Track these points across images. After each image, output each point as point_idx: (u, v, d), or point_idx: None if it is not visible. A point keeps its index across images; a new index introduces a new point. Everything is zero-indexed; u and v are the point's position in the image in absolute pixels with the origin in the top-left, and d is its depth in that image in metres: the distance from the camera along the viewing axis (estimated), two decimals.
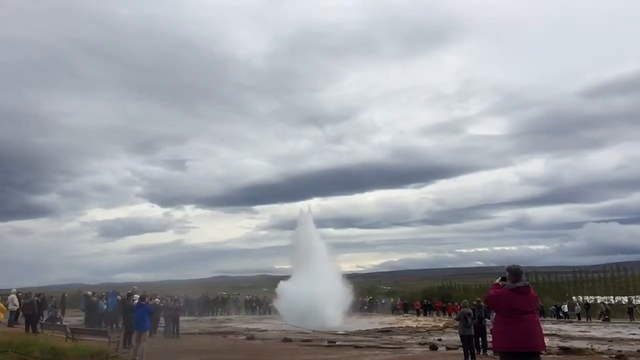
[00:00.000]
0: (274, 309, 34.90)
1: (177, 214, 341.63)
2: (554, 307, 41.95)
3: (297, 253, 36.16)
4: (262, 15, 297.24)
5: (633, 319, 35.23)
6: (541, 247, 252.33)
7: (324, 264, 33.92)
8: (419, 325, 28.80)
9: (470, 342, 13.63)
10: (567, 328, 28.19)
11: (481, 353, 14.60)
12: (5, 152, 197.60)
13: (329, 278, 32.35)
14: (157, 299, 20.72)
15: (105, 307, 23.09)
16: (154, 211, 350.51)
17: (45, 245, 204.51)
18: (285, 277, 35.57)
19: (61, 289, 53.46)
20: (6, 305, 20.10)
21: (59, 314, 24.64)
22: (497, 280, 5.94)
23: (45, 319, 21.96)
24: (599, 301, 44.91)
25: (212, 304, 40.83)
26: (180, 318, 21.71)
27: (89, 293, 25.64)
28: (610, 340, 20.40)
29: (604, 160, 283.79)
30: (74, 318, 25.84)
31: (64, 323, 20.48)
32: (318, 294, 29.19)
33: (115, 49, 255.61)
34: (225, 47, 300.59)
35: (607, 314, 36.98)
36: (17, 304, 21.07)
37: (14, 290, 22.88)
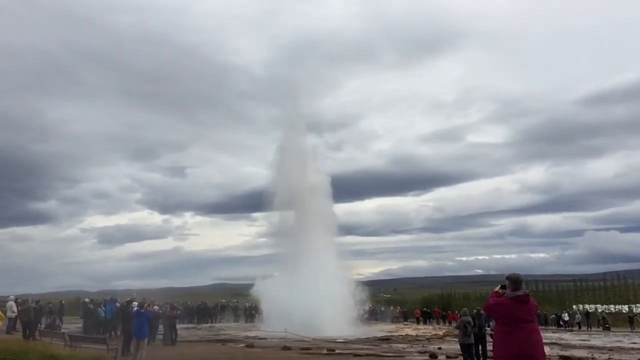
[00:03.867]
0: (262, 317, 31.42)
1: (176, 221, 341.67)
2: (554, 315, 41.81)
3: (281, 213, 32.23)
4: (261, 23, 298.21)
5: (634, 328, 35.10)
6: (541, 255, 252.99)
7: (326, 240, 30.77)
8: (418, 334, 28.63)
9: (470, 350, 13.59)
10: (567, 337, 28.09)
11: None
12: (5, 159, 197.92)
13: (330, 272, 29.41)
14: (156, 306, 20.66)
15: (103, 314, 23.00)
16: (153, 218, 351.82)
17: (45, 251, 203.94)
18: None
19: (60, 295, 53.15)
20: (4, 312, 20.04)
21: (57, 321, 24.51)
22: (497, 288, 5.91)
23: (43, 326, 21.85)
24: (599, 310, 44.77)
25: (211, 312, 40.71)
26: (180, 325, 21.59)
27: (87, 300, 25.54)
28: (611, 349, 20.30)
29: (603, 168, 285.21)
30: (72, 325, 25.72)
31: (63, 330, 20.39)
32: (316, 301, 26.75)
33: (115, 57, 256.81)
34: (225, 55, 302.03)
35: (605, 323, 36.85)
36: (16, 310, 21.01)
37: (12, 297, 22.81)
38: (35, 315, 20.32)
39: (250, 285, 32.65)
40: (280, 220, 33.51)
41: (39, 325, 20.77)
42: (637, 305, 45.81)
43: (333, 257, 31.47)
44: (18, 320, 21.03)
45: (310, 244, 30.67)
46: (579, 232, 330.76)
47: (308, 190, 32.31)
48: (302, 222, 32.04)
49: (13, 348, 11.93)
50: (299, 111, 36.84)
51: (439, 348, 19.49)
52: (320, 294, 27.76)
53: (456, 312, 39.45)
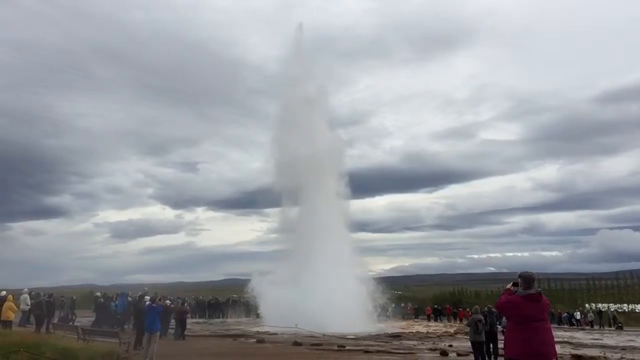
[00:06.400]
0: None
1: (188, 216, 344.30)
2: (566, 314, 41.54)
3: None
4: (274, 19, 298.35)
5: None
6: (554, 253, 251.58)
7: (336, 233, 28.32)
8: (429, 331, 28.56)
9: (481, 348, 13.54)
10: (579, 335, 27.87)
11: None
12: (20, 153, 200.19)
13: (340, 267, 27.25)
14: (167, 301, 20.81)
15: (115, 308, 23.19)
16: (166, 213, 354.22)
17: (58, 246, 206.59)
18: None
19: (73, 289, 53.83)
20: (18, 305, 20.27)
21: (70, 314, 24.78)
22: (509, 286, 5.88)
23: (57, 319, 22.07)
24: (612, 309, 44.43)
25: (222, 307, 40.95)
26: (192, 320, 21.68)
27: (98, 294, 25.78)
28: (624, 349, 20.11)
29: (617, 166, 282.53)
30: (85, 319, 25.95)
31: (76, 324, 20.61)
32: (323, 297, 25.18)
33: (128, 53, 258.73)
34: (238, 51, 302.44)
35: (616, 322, 36.52)
36: (29, 303, 21.25)
37: (26, 290, 23.07)
38: (48, 308, 20.53)
39: None
40: (282, 212, 31.88)
41: (52, 319, 21.00)
42: None
43: (343, 250, 29.51)
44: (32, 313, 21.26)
45: (317, 237, 28.64)
46: (592, 231, 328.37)
47: (315, 162, 29.07)
48: (308, 211, 29.65)
49: (27, 340, 12.05)
50: (303, 60, 31.96)
51: (450, 345, 19.42)
52: (328, 289, 26.16)
53: (467, 309, 39.33)
